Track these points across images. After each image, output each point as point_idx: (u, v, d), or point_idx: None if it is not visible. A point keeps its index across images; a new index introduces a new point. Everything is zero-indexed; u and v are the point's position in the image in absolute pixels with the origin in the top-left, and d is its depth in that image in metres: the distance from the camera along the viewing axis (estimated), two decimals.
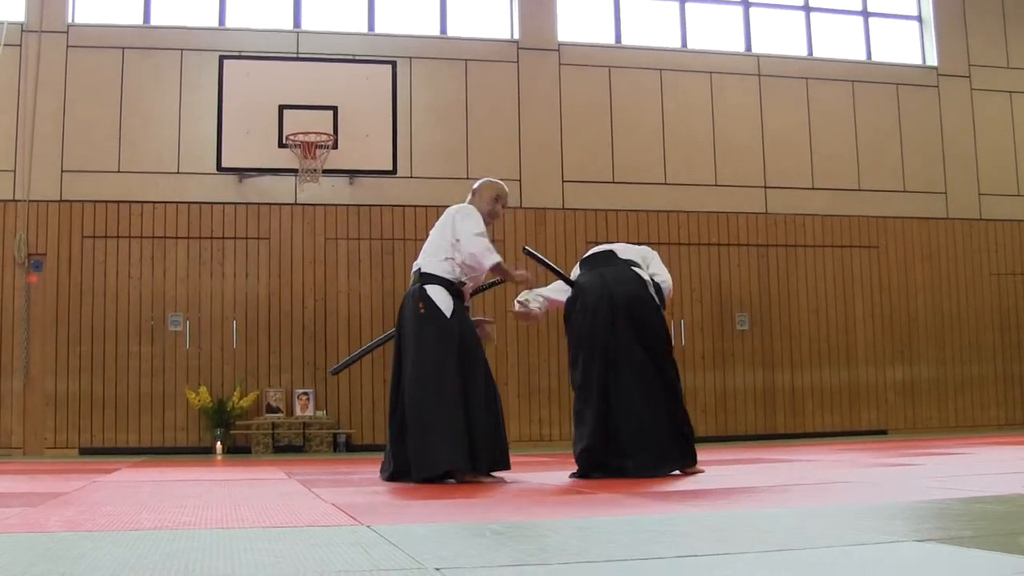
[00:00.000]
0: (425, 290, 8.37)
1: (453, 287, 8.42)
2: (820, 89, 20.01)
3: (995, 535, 4.16)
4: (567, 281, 9.12)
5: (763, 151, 19.54)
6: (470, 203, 8.85)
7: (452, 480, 8.03)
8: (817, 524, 4.82)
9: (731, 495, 6.52)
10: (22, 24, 17.70)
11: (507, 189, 9.23)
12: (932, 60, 20.78)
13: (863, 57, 20.71)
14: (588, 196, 18.76)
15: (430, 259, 8.51)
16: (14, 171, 17.38)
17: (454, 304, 8.33)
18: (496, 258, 8.35)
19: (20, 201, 17.29)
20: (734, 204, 19.27)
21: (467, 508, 6.00)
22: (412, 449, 8.16)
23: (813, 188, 19.62)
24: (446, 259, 8.45)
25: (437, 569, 3.39)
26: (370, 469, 10.78)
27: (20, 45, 17.61)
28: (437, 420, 8.04)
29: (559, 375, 18.18)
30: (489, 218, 8.80)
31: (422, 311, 8.32)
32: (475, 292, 9.14)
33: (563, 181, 18.72)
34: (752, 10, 20.30)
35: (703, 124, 19.43)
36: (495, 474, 8.34)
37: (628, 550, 3.93)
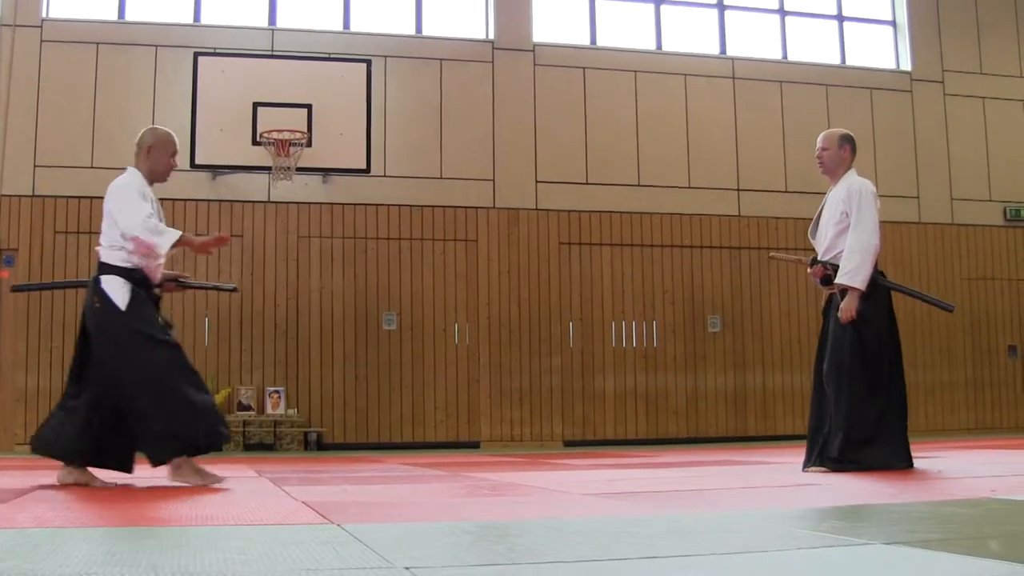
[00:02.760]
0: (99, 282, 7.75)
1: (132, 275, 7.78)
2: (794, 93, 20.06)
3: (964, 538, 4.18)
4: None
5: (737, 154, 19.58)
6: (135, 165, 8.12)
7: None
8: (785, 526, 4.85)
9: (701, 497, 6.54)
10: None
11: (172, 134, 8.43)
12: (906, 65, 20.87)
13: (837, 61, 20.78)
14: (562, 197, 18.79)
15: (104, 247, 7.85)
16: None
17: (131, 294, 7.72)
18: (169, 239, 7.66)
19: None
20: (707, 206, 19.31)
21: (439, 508, 6.00)
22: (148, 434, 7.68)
23: (786, 191, 19.66)
24: (117, 248, 7.79)
25: (407, 568, 3.39)
26: (341, 468, 10.80)
27: None
28: (155, 402, 7.61)
29: (530, 376, 18.23)
30: (161, 179, 8.22)
31: (97, 306, 7.76)
32: (193, 287, 9.00)
33: (537, 181, 18.73)
34: (727, 13, 20.35)
35: (677, 126, 19.47)
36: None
37: (597, 551, 3.94)
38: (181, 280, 8.53)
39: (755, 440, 18.56)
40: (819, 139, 9.51)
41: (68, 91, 17.69)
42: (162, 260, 7.97)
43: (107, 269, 7.74)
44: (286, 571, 3.38)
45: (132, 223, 7.62)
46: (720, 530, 4.66)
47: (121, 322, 7.66)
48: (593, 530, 4.65)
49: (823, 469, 8.55)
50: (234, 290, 9.30)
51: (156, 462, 7.73)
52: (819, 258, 9.28)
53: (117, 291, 7.67)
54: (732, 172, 19.52)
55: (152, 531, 4.61)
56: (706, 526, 4.85)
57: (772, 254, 9.93)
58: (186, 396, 7.66)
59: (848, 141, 9.33)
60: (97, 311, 7.73)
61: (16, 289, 10.52)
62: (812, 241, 9.54)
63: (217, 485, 7.57)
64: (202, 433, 7.67)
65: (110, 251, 7.77)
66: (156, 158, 8.08)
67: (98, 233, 16.60)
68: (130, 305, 7.68)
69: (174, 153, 8.22)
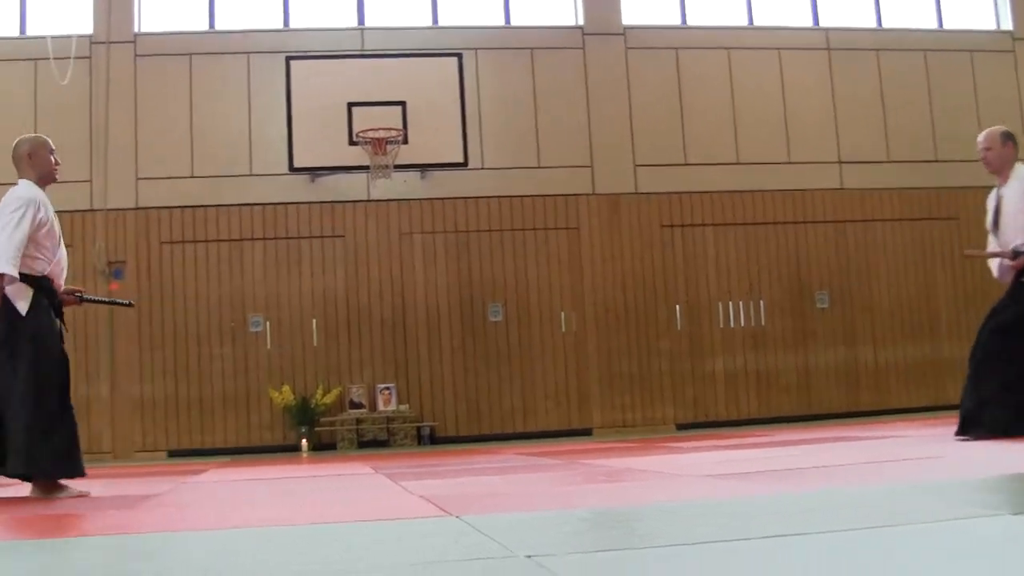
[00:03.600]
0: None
1: (39, 282, 7.88)
2: (892, 60, 19.72)
3: None
4: None
5: (836, 126, 19.31)
6: (22, 175, 8.12)
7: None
8: (910, 500, 4.75)
9: (821, 473, 6.46)
10: (90, 36, 17.84)
11: (42, 136, 8.45)
12: (1007, 24, 20.42)
13: (935, 25, 20.39)
14: (661, 179, 18.66)
15: None
16: (90, 181, 17.54)
17: (33, 301, 7.78)
18: (2, 268, 7.49)
19: (98, 210, 17.46)
20: (809, 181, 19.07)
21: (556, 497, 5.98)
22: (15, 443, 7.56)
23: (889, 161, 19.37)
24: (24, 255, 7.74)
25: (528, 557, 3.37)
26: (456, 461, 10.81)
27: (89, 57, 17.76)
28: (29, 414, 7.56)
29: (639, 360, 18.14)
30: (51, 179, 8.25)
31: None
32: (92, 301, 9.06)
33: (635, 165, 18.63)
34: None
35: (774, 102, 19.25)
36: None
37: (718, 532, 3.89)
38: (78, 294, 8.67)
39: (868, 415, 18.30)
40: (980, 139, 9.63)
41: (164, 103, 17.88)
42: (63, 270, 8.17)
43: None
44: (409, 564, 3.37)
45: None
46: (843, 507, 4.58)
47: (18, 327, 7.70)
48: (712, 512, 4.60)
49: (986, 436, 8.60)
50: (130, 305, 9.57)
51: (12, 473, 7.67)
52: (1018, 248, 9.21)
53: (20, 297, 7.73)
54: (832, 145, 19.26)
55: (273, 531, 4.63)
56: (829, 502, 4.78)
57: (967, 251, 9.89)
58: (50, 419, 7.62)
59: (1009, 138, 9.45)
60: None
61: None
62: (993, 237, 9.50)
63: (78, 496, 7.57)
64: (51, 464, 7.58)
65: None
66: (38, 161, 8.15)
67: (202, 241, 16.83)
68: (30, 311, 7.75)
69: (52, 151, 8.25)
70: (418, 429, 17.32)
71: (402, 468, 9.71)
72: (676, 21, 19.49)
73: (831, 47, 19.56)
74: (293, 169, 16.99)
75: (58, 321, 8.16)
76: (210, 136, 17.82)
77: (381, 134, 16.61)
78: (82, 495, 7.59)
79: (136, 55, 17.97)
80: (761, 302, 18.68)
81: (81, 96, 17.66)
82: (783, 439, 11.78)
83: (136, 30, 18.08)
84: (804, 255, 18.95)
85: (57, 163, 8.28)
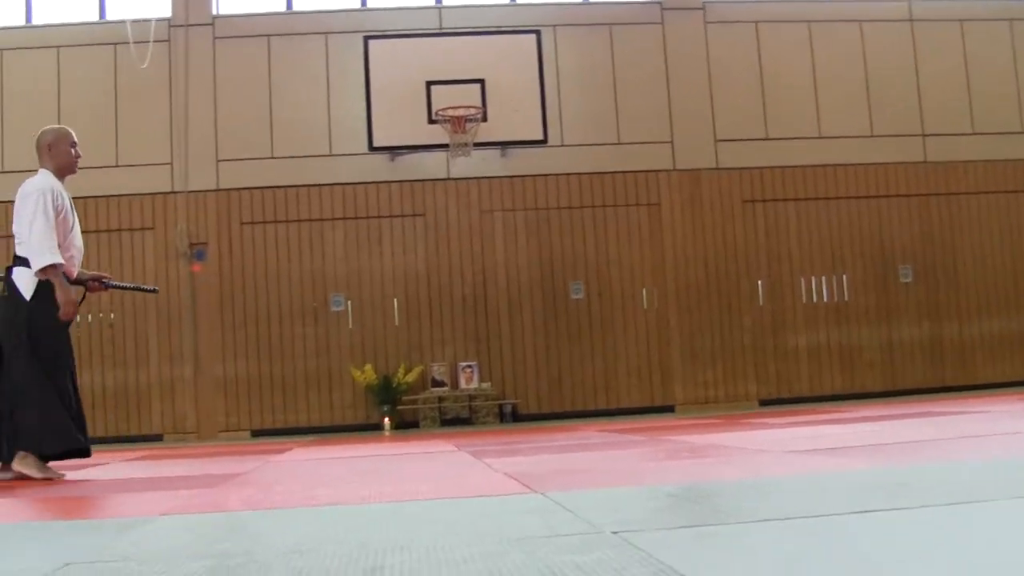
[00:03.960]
0: (10, 272, 8.04)
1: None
2: (976, 31, 19.43)
3: None
4: None
5: (919, 98, 19.06)
6: (42, 165, 8.29)
7: None
8: (997, 476, 4.68)
9: (903, 450, 6.38)
10: (169, 20, 17.98)
11: (65, 127, 8.56)
12: None
13: None
14: (742, 154, 18.53)
15: (18, 242, 8.04)
16: (171, 164, 17.68)
17: (37, 287, 7.92)
18: (46, 261, 7.81)
19: (179, 193, 17.60)
20: (892, 154, 18.85)
21: (640, 473, 5.95)
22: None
23: (973, 133, 19.11)
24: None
25: (614, 533, 3.35)
26: (538, 438, 10.80)
27: (168, 40, 17.89)
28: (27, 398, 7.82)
29: (721, 336, 18.06)
30: (70, 171, 8.45)
31: (4, 294, 8.02)
32: (116, 287, 9.09)
33: (716, 140, 18.51)
34: None
35: (855, 74, 19.03)
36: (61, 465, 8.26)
37: (805, 507, 3.86)
38: (104, 280, 8.77)
39: (954, 390, 18.13)
40: None
41: (243, 85, 17.98)
42: (75, 255, 8.27)
43: (20, 261, 7.97)
44: (495, 540, 3.35)
45: (31, 237, 7.83)
46: (929, 482, 4.52)
47: (23, 312, 7.88)
48: (799, 487, 4.56)
49: None
50: (155, 291, 9.67)
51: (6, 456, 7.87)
52: None
53: (25, 283, 7.91)
54: (915, 117, 19.01)
55: (360, 508, 4.64)
56: (913, 479, 4.71)
57: None
58: (48, 404, 7.84)
59: None
60: (4, 299, 8.00)
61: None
62: None
63: (57, 479, 7.79)
64: (46, 444, 7.84)
65: (23, 246, 7.96)
66: (58, 152, 8.27)
67: (282, 221, 16.93)
68: (35, 297, 7.90)
69: (73, 144, 8.39)
70: (500, 407, 17.34)
71: (485, 446, 9.71)
72: None
73: (914, 18, 19.31)
74: (373, 148, 17.02)
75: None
76: (289, 117, 17.91)
77: (460, 112, 16.59)
78: (58, 478, 7.84)
79: (215, 37, 18.09)
80: (844, 277, 18.52)
81: (161, 79, 17.80)
82: (867, 415, 11.68)
83: (214, 12, 18.20)
84: (887, 229, 18.75)
85: (78, 156, 8.42)
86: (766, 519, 3.59)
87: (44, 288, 7.93)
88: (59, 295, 7.83)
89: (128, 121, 17.80)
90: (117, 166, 17.61)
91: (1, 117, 17.62)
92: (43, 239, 7.80)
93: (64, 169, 8.33)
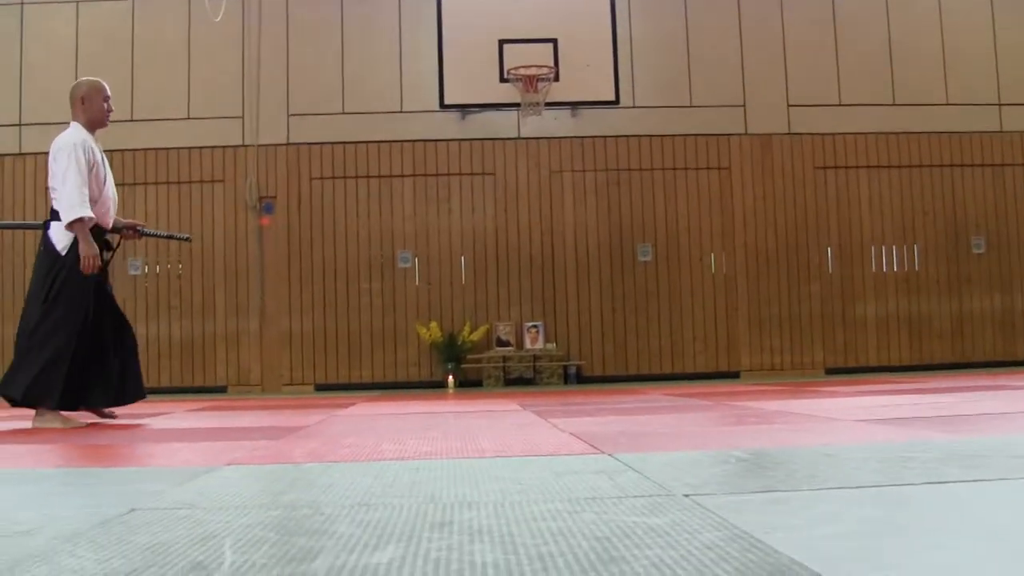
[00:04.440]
0: (47, 226, 8.26)
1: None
2: None
3: None
4: None
5: (996, 67, 18.78)
6: (74, 118, 8.47)
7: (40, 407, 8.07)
8: None
9: (978, 422, 6.29)
10: None
11: (99, 80, 8.70)
12: None
13: None
14: (815, 120, 18.36)
15: (53, 197, 8.29)
16: (242, 117, 17.74)
17: (72, 241, 8.10)
18: (75, 214, 8.01)
19: (249, 146, 17.66)
20: (967, 123, 18.61)
21: (708, 437, 5.89)
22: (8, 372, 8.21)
23: None
24: None
25: (686, 496, 3.30)
26: (603, 400, 10.76)
27: None
28: (24, 352, 8.09)
29: (789, 303, 17.94)
30: (101, 124, 8.57)
31: (41, 248, 8.29)
32: (150, 235, 9.48)
33: (788, 105, 18.34)
34: None
35: (932, 41, 18.79)
36: (110, 410, 8.63)
37: (879, 476, 3.78)
38: (139, 228, 9.05)
39: None
40: None
41: (315, 40, 18.00)
42: (109, 207, 8.52)
43: (56, 215, 8.16)
44: (564, 499, 3.32)
45: (63, 191, 8.09)
46: (1005, 455, 4.43)
47: (55, 264, 8.09)
48: (872, 456, 4.49)
49: None
50: (188, 239, 10.13)
51: (16, 399, 8.12)
52: None
53: (60, 236, 8.13)
54: (992, 86, 18.75)
55: (427, 463, 4.61)
56: (992, 450, 4.63)
57: None
58: (62, 355, 8.00)
59: None
60: (40, 254, 8.27)
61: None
62: None
63: (78, 427, 7.90)
64: (49, 394, 7.96)
65: (58, 200, 8.18)
66: (91, 106, 8.45)
67: (351, 177, 16.93)
68: (68, 251, 8.09)
69: (107, 98, 8.57)
70: (564, 368, 17.33)
71: (550, 406, 9.68)
72: None
73: None
74: (444, 106, 17.03)
75: (108, 255, 8.58)
76: (361, 72, 17.92)
77: (532, 71, 16.56)
78: (84, 425, 8.03)
79: None
80: (915, 246, 18.34)
81: (233, 33, 17.84)
82: (937, 386, 11.56)
83: None
84: (960, 199, 18.54)
85: (110, 110, 8.59)
86: (840, 487, 3.53)
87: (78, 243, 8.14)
88: (81, 248, 8.02)
89: (200, 74, 17.87)
90: (189, 118, 17.69)
91: (76, 67, 17.71)
92: (74, 193, 8.03)
93: (96, 123, 8.51)
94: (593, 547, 2.45)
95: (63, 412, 8.08)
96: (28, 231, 16.76)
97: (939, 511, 3.00)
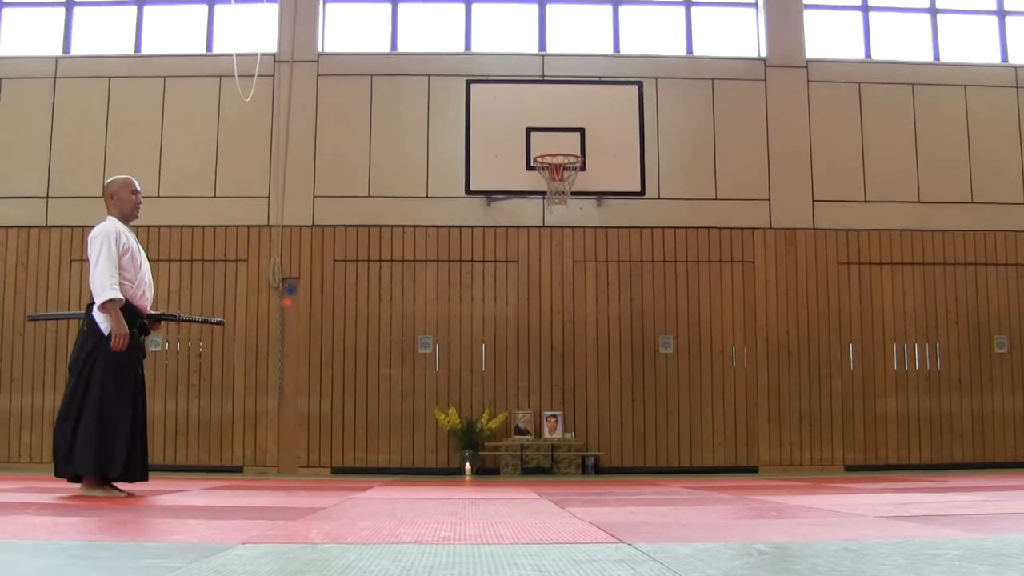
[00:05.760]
0: (90, 309, 8.90)
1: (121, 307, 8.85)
2: None
3: None
4: None
5: (1022, 165, 18.79)
6: (108, 212, 9.21)
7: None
8: None
9: (1002, 520, 6.22)
10: (275, 55, 18.19)
11: (128, 177, 9.47)
12: None
13: None
14: (839, 215, 18.36)
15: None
16: (268, 197, 17.82)
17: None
18: (106, 296, 8.68)
19: (274, 226, 17.72)
20: (992, 221, 18.58)
21: (728, 529, 5.84)
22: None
23: None
24: None
25: None
26: (622, 490, 10.69)
27: (273, 75, 18.08)
28: (64, 423, 8.75)
29: (809, 399, 17.86)
30: (132, 217, 9.30)
31: (84, 329, 8.93)
32: (184, 320, 10.56)
33: (813, 200, 18.36)
34: (1008, 19, 19.56)
35: (958, 139, 18.81)
36: (119, 485, 9.01)
37: (904, 572, 3.74)
38: (165, 317, 9.87)
39: None
40: None
41: (344, 122, 18.12)
42: (146, 291, 9.19)
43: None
44: None
45: (94, 276, 8.78)
46: None
47: (98, 346, 8.74)
48: (896, 552, 4.45)
49: None
50: (221, 323, 10.97)
51: (73, 476, 8.82)
52: None
53: (103, 319, 8.80)
54: (1017, 185, 18.72)
55: (443, 548, 4.57)
56: (1018, 548, 4.58)
57: None
58: (113, 428, 8.67)
59: None
60: (83, 333, 8.90)
61: (32, 319, 11.68)
62: None
63: (121, 497, 8.57)
64: (113, 465, 8.68)
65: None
66: (120, 200, 9.22)
67: (375, 260, 16.99)
68: (111, 331, 8.73)
69: (135, 192, 9.34)
70: (583, 458, 17.23)
71: (568, 495, 9.64)
72: (859, 55, 19.18)
73: (1019, 85, 19.06)
74: (469, 192, 17.07)
75: (142, 338, 9.21)
76: (388, 156, 18.01)
77: (559, 160, 16.58)
78: (128, 496, 8.67)
79: (318, 74, 18.26)
80: (938, 344, 18.26)
81: (263, 113, 17.98)
82: (958, 485, 11.48)
83: (319, 50, 18.37)
84: (984, 297, 18.47)
85: (139, 202, 9.34)
86: None
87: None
88: (113, 326, 8.67)
89: (228, 153, 17.99)
90: (215, 197, 17.77)
91: (105, 144, 17.86)
92: (104, 277, 8.68)
93: (128, 216, 9.26)
94: None
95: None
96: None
97: None
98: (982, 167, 18.71)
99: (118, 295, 8.67)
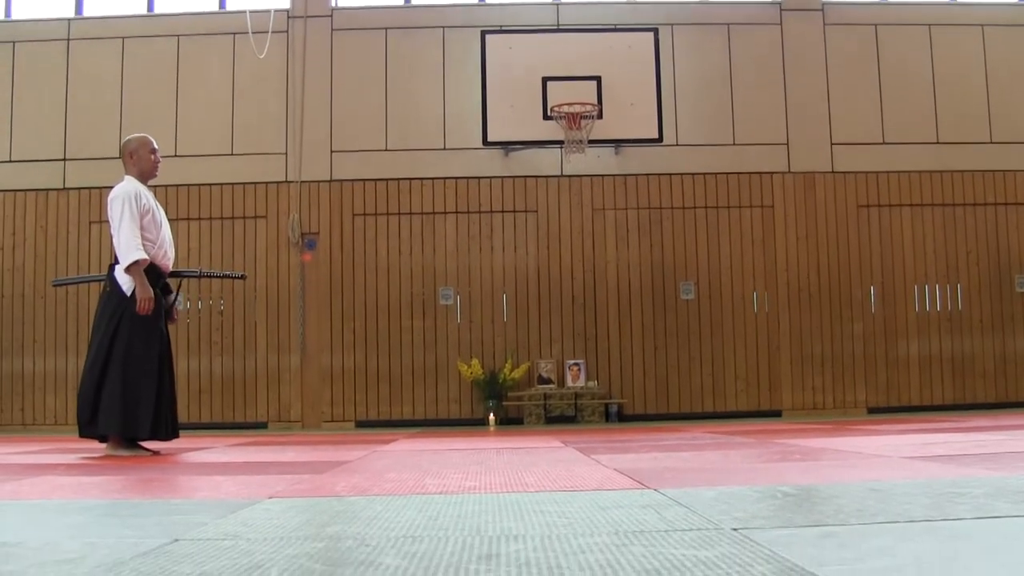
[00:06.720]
0: (112, 269, 8.92)
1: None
2: None
3: None
4: None
5: None
6: (127, 172, 9.15)
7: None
8: None
9: None
10: (288, 11, 18.17)
11: (146, 136, 9.39)
12: None
13: None
14: (858, 158, 18.30)
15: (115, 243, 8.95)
16: (286, 153, 17.82)
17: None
18: (132, 257, 8.68)
19: (292, 182, 17.72)
20: (1011, 161, 18.50)
21: (753, 473, 5.85)
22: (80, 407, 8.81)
23: None
24: None
25: (735, 529, 3.27)
26: (646, 437, 10.71)
27: (287, 31, 18.05)
28: (89, 384, 8.72)
29: (831, 342, 17.85)
30: (151, 176, 9.24)
31: (107, 289, 8.95)
32: (206, 276, 10.81)
33: (831, 144, 18.29)
34: None
35: (976, 80, 18.71)
36: (146, 444, 9.05)
37: (929, 511, 3.74)
38: (187, 274, 10.22)
39: None
40: None
41: (359, 77, 18.10)
42: (167, 251, 9.18)
43: (118, 259, 8.84)
44: (611, 533, 3.29)
45: (118, 238, 8.77)
46: None
47: (121, 306, 8.77)
48: (920, 492, 4.44)
49: None
50: (243, 277, 11.29)
51: (99, 435, 8.82)
52: None
53: (125, 279, 8.80)
54: None
55: (469, 497, 4.59)
56: None
57: None
58: (138, 388, 8.68)
59: None
60: (106, 293, 8.93)
61: (57, 283, 12.23)
62: None
63: (147, 456, 8.62)
64: (140, 426, 8.68)
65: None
66: (139, 160, 9.15)
67: (394, 214, 16.96)
68: (134, 292, 8.74)
69: (153, 150, 9.26)
70: (606, 406, 17.26)
71: (592, 443, 9.65)
72: None
73: None
74: (487, 143, 17.02)
75: (165, 298, 9.23)
76: (404, 110, 17.99)
77: (576, 109, 16.53)
78: (154, 454, 8.75)
79: (332, 29, 18.21)
80: (959, 285, 18.22)
81: (278, 70, 17.96)
82: (981, 425, 11.47)
83: (333, 4, 18.33)
84: (1004, 237, 18.41)
85: (158, 161, 9.27)
86: (890, 521, 3.49)
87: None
88: (137, 290, 8.65)
89: (244, 110, 17.98)
90: (232, 154, 17.77)
91: (121, 105, 17.86)
92: (128, 239, 8.67)
93: (146, 174, 9.19)
94: None
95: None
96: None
97: (991, 545, 2.97)
98: (1000, 107, 18.62)
99: (143, 256, 8.66)
